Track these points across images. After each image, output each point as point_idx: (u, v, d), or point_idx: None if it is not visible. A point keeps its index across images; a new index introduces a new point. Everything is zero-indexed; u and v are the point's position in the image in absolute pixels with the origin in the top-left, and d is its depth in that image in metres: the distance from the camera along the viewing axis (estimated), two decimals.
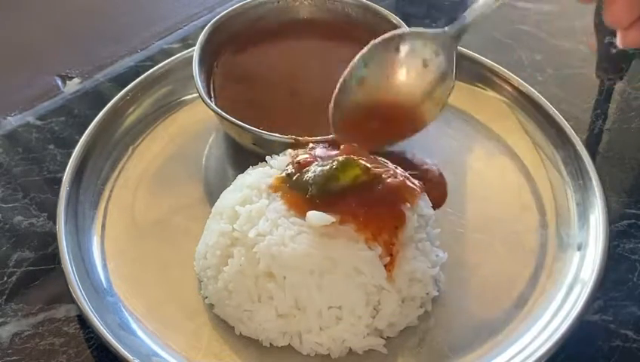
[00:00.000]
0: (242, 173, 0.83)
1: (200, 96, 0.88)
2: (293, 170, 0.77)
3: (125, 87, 0.98)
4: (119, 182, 0.91)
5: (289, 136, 0.83)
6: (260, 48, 0.98)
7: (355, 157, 0.76)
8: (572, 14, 1.20)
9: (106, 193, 0.90)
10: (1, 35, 1.14)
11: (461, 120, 0.99)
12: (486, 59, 1.03)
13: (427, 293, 0.77)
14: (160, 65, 1.01)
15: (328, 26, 0.99)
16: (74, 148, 0.91)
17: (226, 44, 0.97)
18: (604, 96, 1.07)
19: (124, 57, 1.11)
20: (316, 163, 0.77)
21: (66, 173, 0.88)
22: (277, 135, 0.84)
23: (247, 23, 0.98)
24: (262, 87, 0.94)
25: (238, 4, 0.98)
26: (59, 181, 0.88)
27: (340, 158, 0.75)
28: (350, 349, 0.75)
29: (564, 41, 1.15)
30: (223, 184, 0.85)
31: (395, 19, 0.96)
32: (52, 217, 0.86)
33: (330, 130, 0.83)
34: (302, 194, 0.74)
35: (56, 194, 0.86)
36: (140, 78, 0.99)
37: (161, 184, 0.91)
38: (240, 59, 0.97)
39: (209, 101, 0.88)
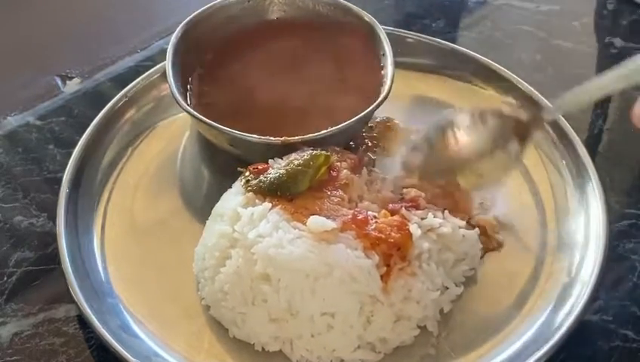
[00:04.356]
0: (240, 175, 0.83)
1: (175, 99, 0.87)
2: (251, 177, 0.78)
3: (125, 87, 0.98)
4: (119, 183, 0.91)
5: (266, 138, 0.83)
6: (232, 49, 0.97)
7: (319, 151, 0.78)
8: (572, 14, 1.20)
9: (106, 194, 0.90)
10: (1, 35, 1.14)
11: None
12: (486, 59, 1.03)
13: (425, 316, 0.76)
14: (160, 65, 1.00)
15: (299, 25, 0.99)
16: (74, 148, 0.91)
17: (198, 45, 0.96)
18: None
19: (124, 57, 1.11)
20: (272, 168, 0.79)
21: (65, 174, 0.88)
22: (253, 136, 0.83)
23: (218, 24, 0.97)
24: (236, 87, 0.93)
25: (208, 5, 0.97)
26: (59, 181, 0.88)
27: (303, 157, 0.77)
28: (342, 361, 0.75)
29: (564, 41, 1.15)
30: (223, 185, 0.85)
31: (367, 16, 0.95)
32: (52, 217, 0.86)
33: (308, 130, 0.83)
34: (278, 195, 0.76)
35: (56, 194, 0.86)
36: (139, 78, 0.99)
37: (160, 185, 0.91)
38: (213, 60, 0.96)
39: (184, 104, 0.87)
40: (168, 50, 0.91)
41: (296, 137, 0.83)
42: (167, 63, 0.90)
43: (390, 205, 0.79)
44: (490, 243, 0.84)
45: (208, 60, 0.96)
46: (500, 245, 0.85)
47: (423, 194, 0.81)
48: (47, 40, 1.14)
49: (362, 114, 0.86)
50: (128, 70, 1.08)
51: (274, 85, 0.93)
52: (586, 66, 1.11)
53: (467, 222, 0.82)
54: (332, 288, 0.72)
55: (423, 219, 0.78)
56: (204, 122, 0.85)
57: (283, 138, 0.83)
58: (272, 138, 0.83)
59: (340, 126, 0.84)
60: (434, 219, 0.78)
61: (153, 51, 1.12)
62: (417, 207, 0.80)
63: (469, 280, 0.82)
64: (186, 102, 0.89)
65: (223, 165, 0.94)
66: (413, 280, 0.74)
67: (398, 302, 0.73)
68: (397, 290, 0.73)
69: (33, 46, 1.13)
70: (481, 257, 0.83)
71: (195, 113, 0.86)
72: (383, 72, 0.92)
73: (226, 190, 0.82)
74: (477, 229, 0.83)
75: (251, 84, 0.94)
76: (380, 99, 0.87)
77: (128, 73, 1.07)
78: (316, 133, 0.84)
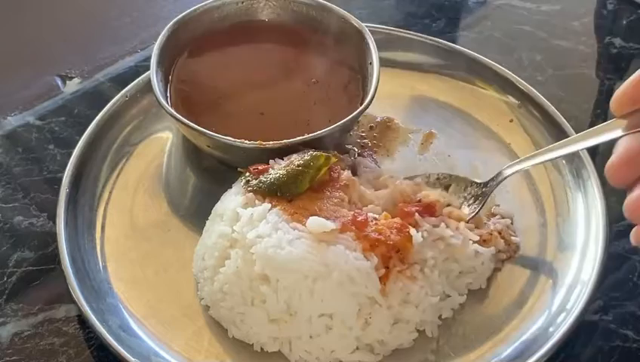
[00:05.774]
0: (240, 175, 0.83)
1: (157, 99, 0.87)
2: (251, 177, 0.78)
3: (125, 87, 0.98)
4: (119, 183, 0.91)
5: (241, 140, 0.82)
6: (222, 49, 0.97)
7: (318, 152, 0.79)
8: (572, 14, 1.20)
9: (106, 194, 0.90)
10: (1, 35, 1.14)
11: (461, 120, 0.99)
12: (486, 59, 1.03)
13: (423, 320, 0.76)
14: None
15: (292, 28, 0.98)
16: (74, 148, 0.91)
17: (187, 45, 0.95)
18: (604, 96, 1.06)
19: (124, 57, 1.11)
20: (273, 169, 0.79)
21: (65, 174, 0.88)
22: (229, 138, 0.83)
23: (209, 24, 0.97)
24: (224, 89, 0.93)
25: (200, 4, 0.96)
26: (59, 181, 0.88)
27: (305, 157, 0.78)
28: None
29: (564, 41, 1.15)
30: (223, 185, 0.85)
31: (357, 22, 0.95)
32: (52, 217, 0.86)
33: (292, 134, 0.83)
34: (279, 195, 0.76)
35: (56, 194, 0.86)
36: (139, 78, 0.98)
37: (160, 185, 0.91)
38: (201, 61, 0.96)
39: (166, 104, 0.86)
40: (154, 49, 0.90)
41: (271, 142, 0.82)
42: (152, 64, 0.89)
43: (406, 208, 0.78)
44: (509, 249, 0.84)
45: (195, 60, 0.96)
46: (518, 248, 0.85)
47: (441, 200, 0.81)
48: (47, 40, 1.14)
49: (338, 124, 0.85)
50: (128, 70, 1.08)
51: (258, 88, 0.93)
52: (586, 66, 1.11)
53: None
54: (331, 289, 0.71)
55: (435, 226, 0.78)
56: (185, 123, 0.84)
57: (258, 142, 0.82)
58: (247, 141, 0.82)
59: (315, 133, 0.83)
60: (446, 229, 0.78)
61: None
62: (432, 214, 0.79)
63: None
64: (170, 102, 0.89)
65: (223, 165, 0.94)
66: (413, 284, 0.74)
67: (396, 304, 0.73)
68: (395, 293, 0.73)
69: (33, 46, 1.13)
70: (500, 269, 0.83)
71: (176, 114, 0.85)
72: (368, 81, 0.91)
73: (226, 190, 0.82)
74: (492, 248, 0.81)
75: (235, 86, 0.93)
76: (360, 109, 0.86)
77: (128, 73, 1.07)
78: (292, 140, 0.83)
